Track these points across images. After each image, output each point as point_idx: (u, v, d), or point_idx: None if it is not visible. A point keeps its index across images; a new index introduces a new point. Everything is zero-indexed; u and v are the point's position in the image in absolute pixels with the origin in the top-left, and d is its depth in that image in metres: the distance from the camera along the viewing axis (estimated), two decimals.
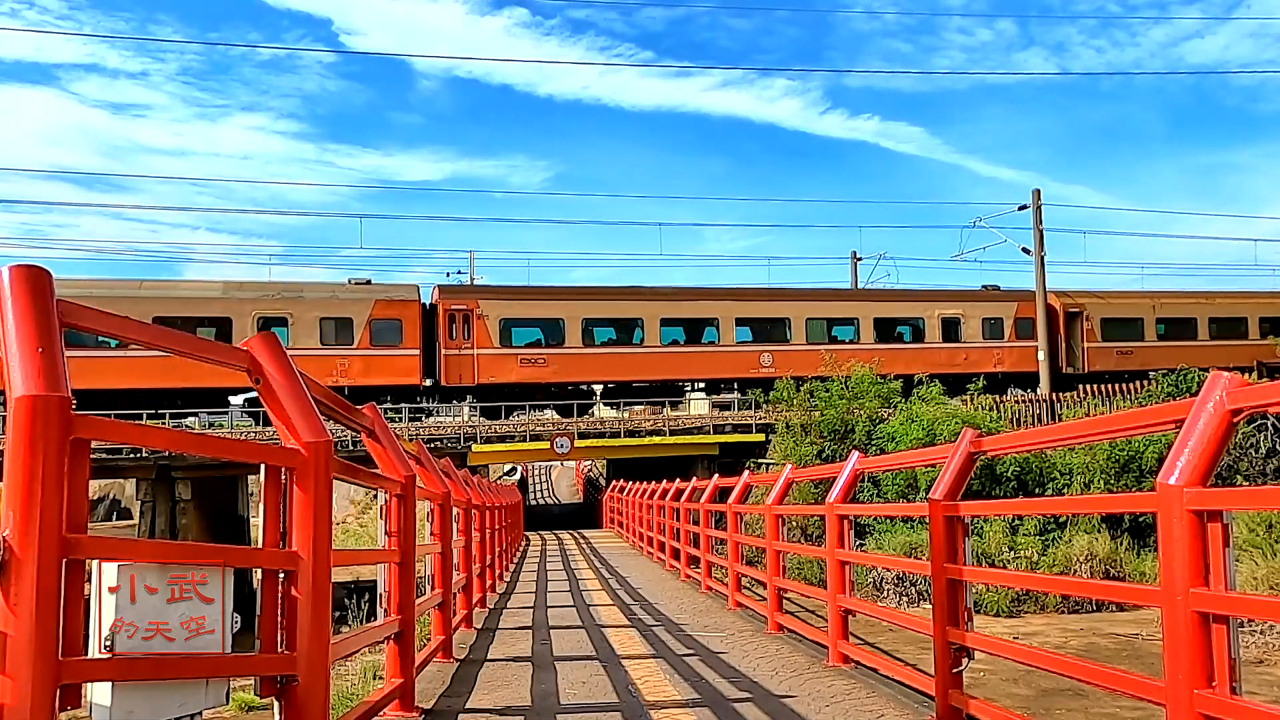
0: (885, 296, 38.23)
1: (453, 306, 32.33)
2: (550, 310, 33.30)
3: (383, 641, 5.12)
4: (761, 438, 30.72)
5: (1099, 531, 15.83)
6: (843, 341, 35.32)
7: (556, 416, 33.81)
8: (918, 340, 36.60)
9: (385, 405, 29.89)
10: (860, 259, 46.18)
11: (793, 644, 7.77)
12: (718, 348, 34.52)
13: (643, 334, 34.06)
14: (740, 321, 34.94)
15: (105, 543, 2.75)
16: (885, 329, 36.56)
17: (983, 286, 39.35)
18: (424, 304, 32.51)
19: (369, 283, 32.88)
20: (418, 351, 31.63)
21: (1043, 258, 33.64)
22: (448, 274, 54.41)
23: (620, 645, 7.94)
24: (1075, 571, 14.75)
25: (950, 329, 36.81)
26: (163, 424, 26.32)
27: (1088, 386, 26.89)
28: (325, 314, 31.13)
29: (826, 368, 25.82)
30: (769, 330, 35.33)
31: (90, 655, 2.68)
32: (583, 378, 33.70)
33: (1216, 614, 2.91)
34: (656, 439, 32.28)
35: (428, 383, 32.14)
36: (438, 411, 32.95)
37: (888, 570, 14.59)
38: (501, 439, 31.55)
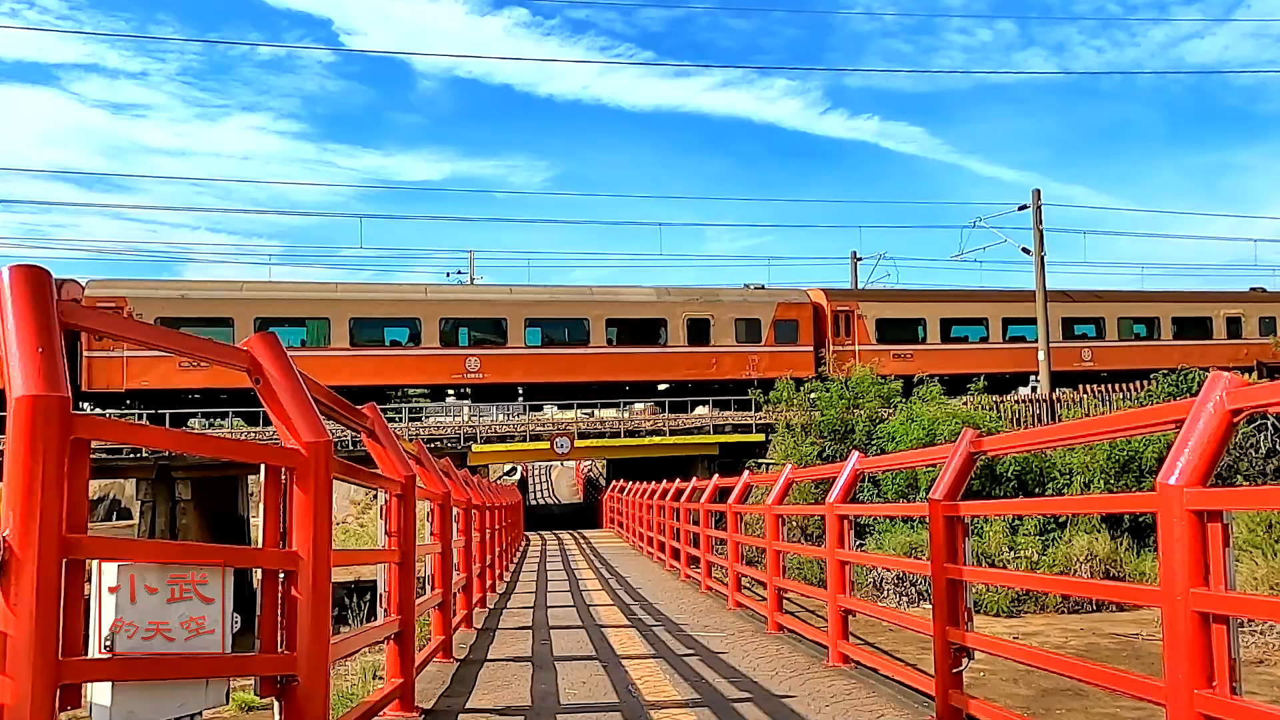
0: (1179, 298, 41.53)
1: (838, 308, 36.35)
2: (914, 311, 37.53)
3: (383, 641, 5.12)
4: (761, 438, 30.78)
5: (1099, 531, 15.82)
6: (1144, 338, 39.35)
7: (557, 416, 33.96)
8: (1205, 336, 40.31)
9: (385, 407, 29.91)
10: (860, 259, 46.30)
11: (793, 644, 7.77)
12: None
13: (986, 331, 38.22)
14: (1065, 321, 38.66)
15: (105, 543, 2.75)
16: (1180, 326, 40.49)
17: (1251, 288, 43.32)
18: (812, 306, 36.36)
19: (763, 288, 37.19)
20: (811, 348, 35.55)
21: (1043, 258, 33.60)
22: (448, 274, 54.35)
23: (620, 645, 7.93)
24: (1075, 571, 14.73)
25: (1233, 326, 40.49)
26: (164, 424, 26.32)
27: (1088, 386, 26.98)
28: (739, 315, 34.91)
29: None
30: (1087, 328, 39.47)
31: (90, 655, 2.68)
32: (939, 371, 36.09)
33: (1216, 614, 2.91)
34: (656, 439, 32.33)
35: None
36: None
37: (888, 570, 14.58)
38: (501, 439, 31.55)
